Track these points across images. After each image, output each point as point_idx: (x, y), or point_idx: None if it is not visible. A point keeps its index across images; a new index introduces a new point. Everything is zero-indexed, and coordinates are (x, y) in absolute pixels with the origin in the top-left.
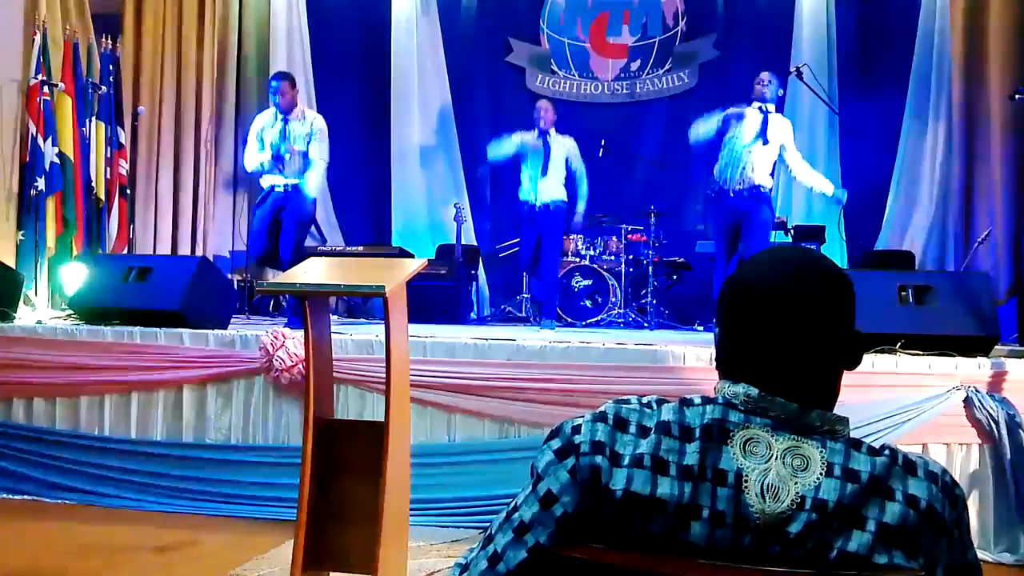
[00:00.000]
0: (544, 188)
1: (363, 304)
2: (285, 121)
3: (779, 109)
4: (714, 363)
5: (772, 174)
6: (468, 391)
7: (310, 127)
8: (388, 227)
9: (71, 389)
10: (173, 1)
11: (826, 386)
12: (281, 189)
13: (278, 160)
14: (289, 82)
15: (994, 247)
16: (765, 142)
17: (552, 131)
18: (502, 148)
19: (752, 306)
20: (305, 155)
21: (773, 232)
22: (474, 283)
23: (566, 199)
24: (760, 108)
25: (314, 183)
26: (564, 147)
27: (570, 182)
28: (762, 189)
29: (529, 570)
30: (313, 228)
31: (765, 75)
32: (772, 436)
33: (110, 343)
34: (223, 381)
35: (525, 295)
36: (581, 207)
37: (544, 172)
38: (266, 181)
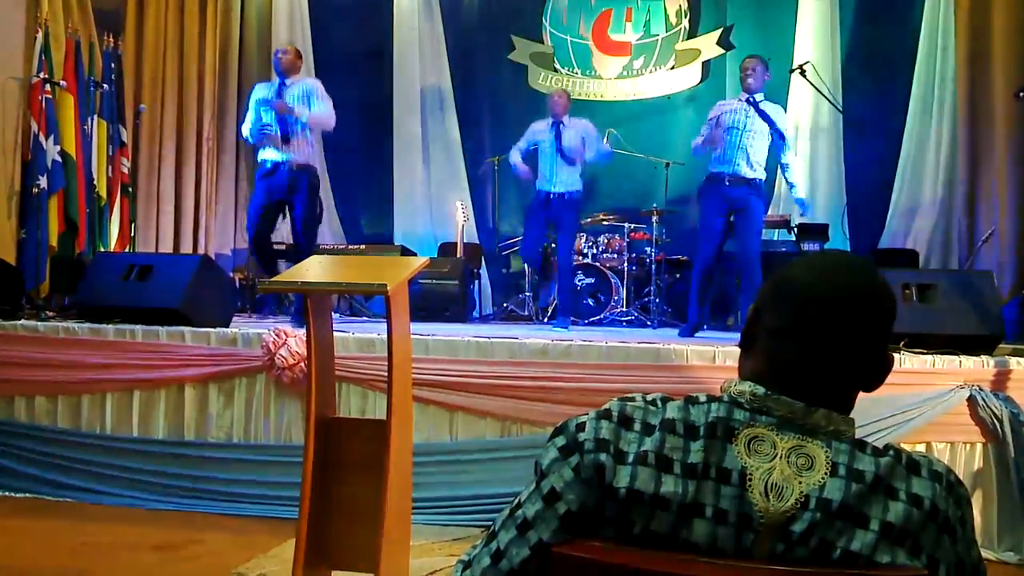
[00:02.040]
0: (560, 178)
1: (365, 302)
2: (282, 85)
3: (768, 97)
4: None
5: (766, 166)
6: (470, 389)
7: (303, 88)
8: (390, 225)
9: (73, 387)
10: None
11: (840, 396)
12: (284, 166)
13: (281, 128)
14: (295, 50)
15: (998, 246)
16: (756, 131)
17: (566, 119)
18: (520, 145)
19: (794, 306)
20: (305, 125)
21: (776, 230)
22: (476, 281)
23: (581, 189)
24: (748, 99)
25: (322, 116)
26: (577, 131)
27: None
28: (757, 181)
29: (532, 567)
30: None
31: (749, 62)
32: (777, 435)
33: (112, 342)
34: (225, 379)
35: (527, 293)
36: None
37: (557, 162)
38: (265, 155)
